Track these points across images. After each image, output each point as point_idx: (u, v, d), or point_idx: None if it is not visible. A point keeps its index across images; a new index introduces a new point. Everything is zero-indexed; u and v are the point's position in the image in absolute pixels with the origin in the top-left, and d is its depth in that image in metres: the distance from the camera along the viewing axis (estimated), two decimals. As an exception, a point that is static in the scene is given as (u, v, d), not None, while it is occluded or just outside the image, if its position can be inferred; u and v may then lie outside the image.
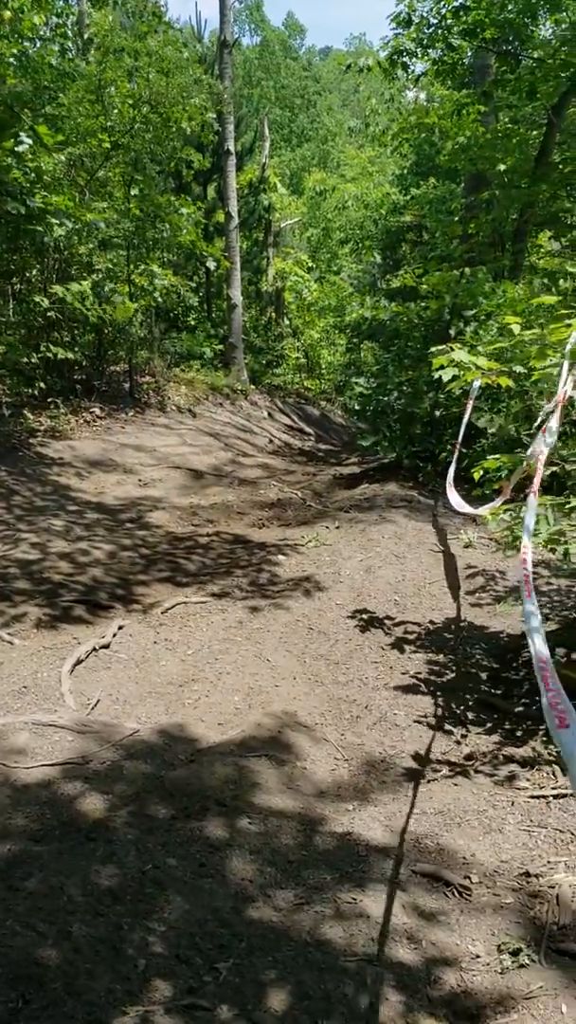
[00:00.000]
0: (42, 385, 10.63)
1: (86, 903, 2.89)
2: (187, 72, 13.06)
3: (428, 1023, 2.59)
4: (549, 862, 3.34)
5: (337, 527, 7.76)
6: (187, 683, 4.89)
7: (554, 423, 3.54)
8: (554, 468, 4.85)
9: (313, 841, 3.47)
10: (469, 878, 3.27)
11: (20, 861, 3.09)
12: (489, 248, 14.61)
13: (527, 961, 2.81)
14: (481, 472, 4.85)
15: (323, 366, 24.58)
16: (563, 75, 11.48)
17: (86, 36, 15.20)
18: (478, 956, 2.87)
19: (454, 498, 5.84)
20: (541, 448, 3.43)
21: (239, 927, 2.90)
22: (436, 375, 4.92)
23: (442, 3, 12.50)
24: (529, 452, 3.71)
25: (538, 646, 2.35)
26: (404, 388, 9.97)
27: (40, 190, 9.34)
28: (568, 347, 3.87)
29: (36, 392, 10.58)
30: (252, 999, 2.60)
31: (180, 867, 3.15)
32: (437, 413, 9.56)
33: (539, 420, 3.85)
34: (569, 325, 4.19)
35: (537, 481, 3.27)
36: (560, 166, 12.73)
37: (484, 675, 5.13)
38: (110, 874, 3.05)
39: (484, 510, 5.53)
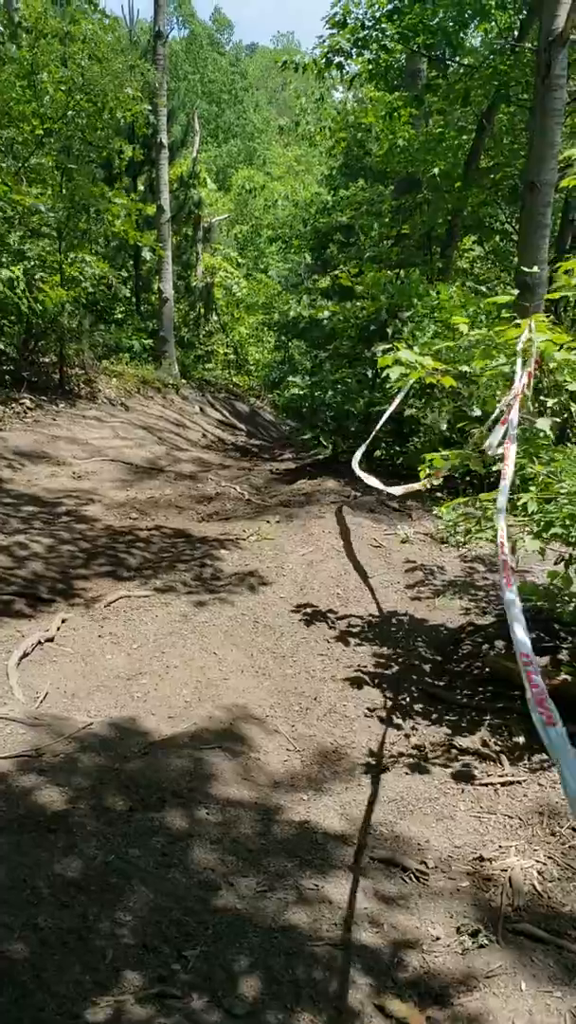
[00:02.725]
0: (-31, 376, 10.38)
1: (51, 895, 2.86)
2: (122, 58, 12.88)
3: (395, 1004, 2.66)
4: (500, 847, 3.45)
5: (278, 522, 7.80)
6: (135, 676, 4.86)
7: (514, 415, 3.65)
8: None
9: (272, 830, 3.51)
10: (425, 863, 3.36)
11: (-21, 855, 3.03)
12: (418, 251, 14.85)
13: (486, 942, 2.91)
14: (428, 469, 4.95)
15: (251, 362, 24.62)
16: (495, 83, 11.76)
17: (16, 20, 14.85)
18: (439, 938, 2.95)
19: (359, 471, 5.96)
20: (508, 441, 3.54)
21: (205, 915, 2.91)
22: (370, 373, 5.01)
23: (376, 6, 12.65)
24: (487, 444, 3.82)
25: (519, 636, 2.43)
26: (339, 386, 10.08)
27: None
28: (520, 345, 4.00)
29: (-37, 383, 10.33)
30: (222, 986, 2.62)
31: (143, 857, 3.15)
32: (372, 411, 9.70)
33: (496, 413, 3.96)
34: (518, 326, 4.32)
35: (510, 471, 3.38)
36: (491, 174, 13.03)
37: (427, 667, 5.25)
38: (73, 865, 3.03)
39: (398, 489, 5.66)
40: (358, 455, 6.30)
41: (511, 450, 3.53)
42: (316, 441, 10.05)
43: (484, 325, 5.38)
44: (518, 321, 4.31)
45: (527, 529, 4.18)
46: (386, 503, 8.22)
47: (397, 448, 9.39)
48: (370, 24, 12.82)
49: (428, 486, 5.30)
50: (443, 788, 3.92)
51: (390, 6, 12.52)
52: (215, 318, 22.30)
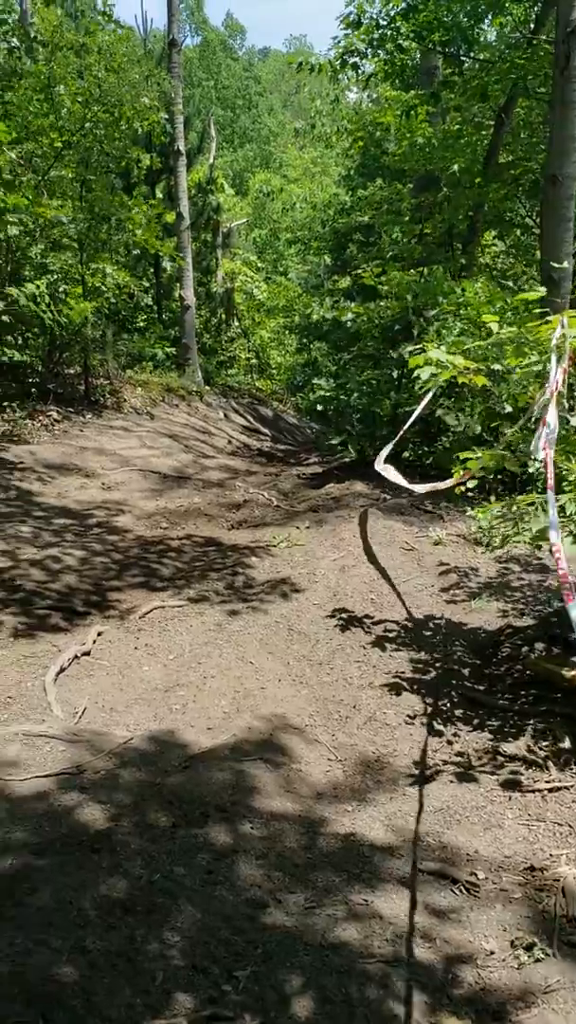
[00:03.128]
0: (-3, 389, 10.45)
1: (98, 916, 2.83)
2: (138, 68, 12.92)
3: (452, 1022, 2.60)
4: (551, 855, 3.38)
5: (307, 527, 7.76)
6: (172, 688, 4.84)
7: (551, 417, 3.58)
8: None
9: (317, 843, 3.46)
10: (475, 874, 3.30)
11: (24, 876, 3.01)
12: (440, 248, 14.76)
13: (542, 955, 2.84)
14: (461, 469, 4.88)
15: (274, 366, 24.61)
16: (512, 77, 11.64)
17: (32, 35, 14.95)
18: (493, 952, 2.89)
19: (383, 468, 5.87)
20: (544, 443, 3.47)
21: (253, 934, 2.87)
22: (396, 374, 4.94)
23: (391, 5, 12.59)
24: (532, 448, 3.74)
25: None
26: (364, 388, 10.02)
27: (-1, 188, 9.17)
28: (554, 341, 3.92)
29: (-10, 397, 10.39)
30: (274, 1007, 2.58)
31: (188, 875, 3.11)
32: (399, 412, 9.63)
33: (534, 414, 3.88)
34: (549, 322, 4.25)
35: (551, 476, 3.30)
36: (512, 169, 12.92)
37: (467, 671, 5.18)
38: (119, 885, 3.00)
39: (422, 488, 5.59)
40: (383, 455, 6.22)
41: (550, 456, 3.45)
42: (344, 446, 10.00)
43: (513, 322, 5.29)
44: (549, 317, 4.23)
45: (567, 530, 4.11)
46: (417, 505, 8.16)
47: (426, 448, 9.31)
48: (385, 23, 12.76)
49: (457, 486, 5.22)
50: (490, 796, 3.84)
51: (404, 4, 12.46)
52: (236, 323, 22.32)
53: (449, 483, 5.19)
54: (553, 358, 3.84)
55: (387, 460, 9.04)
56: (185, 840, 3.33)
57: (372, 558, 6.85)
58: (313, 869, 3.27)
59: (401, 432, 6.60)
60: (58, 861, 3.11)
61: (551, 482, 3.34)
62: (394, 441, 6.54)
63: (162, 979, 2.62)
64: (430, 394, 5.94)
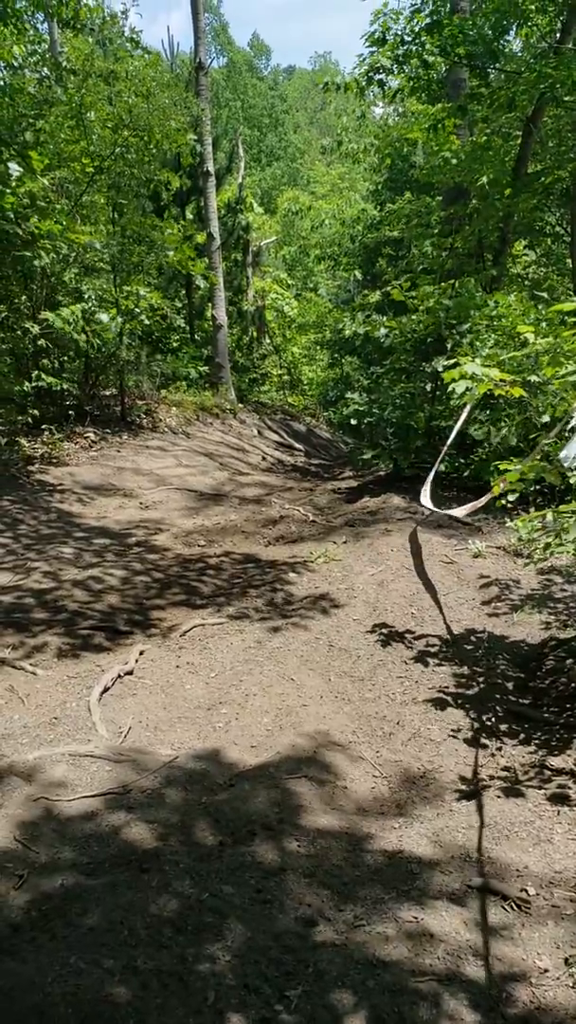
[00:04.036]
0: (35, 413, 10.60)
1: (148, 936, 2.85)
2: (167, 92, 13.13)
3: (507, 1041, 2.57)
4: (602, 870, 3.33)
5: (345, 542, 7.76)
6: (215, 706, 4.85)
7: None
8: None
9: (364, 860, 3.45)
10: (526, 890, 3.26)
11: (75, 896, 3.04)
12: (470, 260, 14.74)
13: (597, 973, 2.80)
14: (499, 481, 4.85)
15: (305, 382, 24.69)
16: (539, 86, 11.62)
17: (62, 63, 15.26)
18: (547, 970, 2.85)
19: (425, 499, 5.86)
20: None
21: (303, 952, 2.86)
22: (429, 387, 4.94)
23: (415, 20, 12.65)
24: (563, 455, 3.72)
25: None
26: (398, 402, 10.02)
27: (34, 214, 9.34)
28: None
29: (29, 420, 10.55)
30: (327, 1026, 2.57)
31: (237, 894, 3.12)
32: (434, 425, 9.62)
33: (571, 423, 3.85)
34: (586, 333, 4.22)
35: None
36: (541, 178, 12.87)
37: (510, 685, 5.13)
38: (168, 905, 3.01)
39: (462, 511, 5.56)
40: (427, 489, 6.15)
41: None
42: (378, 460, 10.00)
43: (549, 332, 5.27)
44: (586, 328, 4.21)
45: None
46: (456, 518, 8.11)
47: (462, 461, 9.27)
48: (409, 39, 12.83)
49: (495, 501, 5.19)
50: (538, 811, 3.80)
51: (428, 20, 12.52)
52: (268, 340, 22.44)
53: (485, 500, 5.17)
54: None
55: (424, 472, 9.04)
56: (233, 858, 3.34)
57: (422, 574, 6.81)
58: (361, 886, 3.26)
59: (444, 451, 6.58)
60: (108, 881, 3.14)
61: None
62: (436, 466, 6.50)
63: (214, 998, 2.62)
64: (468, 408, 5.94)
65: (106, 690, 4.86)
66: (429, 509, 5.70)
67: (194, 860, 3.30)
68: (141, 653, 5.45)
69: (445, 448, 6.62)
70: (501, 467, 4.81)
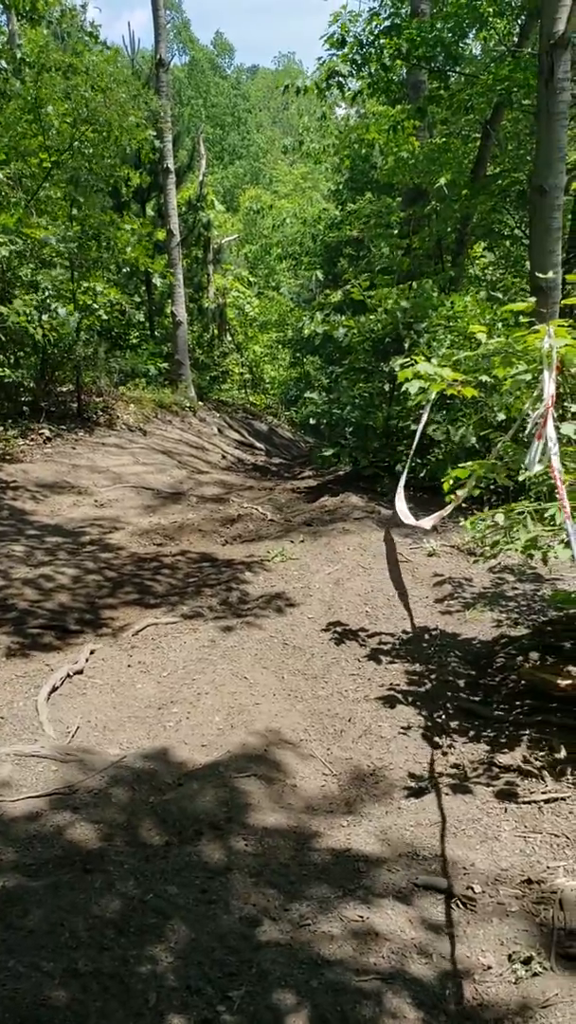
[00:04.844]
0: (-11, 408, 10.46)
1: (90, 938, 2.81)
2: (125, 88, 13.00)
3: (449, 1038, 2.57)
4: (548, 867, 3.35)
5: (302, 541, 7.75)
6: (166, 705, 4.81)
7: (550, 430, 3.57)
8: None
9: (311, 859, 3.43)
10: (472, 888, 3.27)
11: (16, 898, 2.99)
12: (428, 260, 14.83)
13: (539, 969, 2.81)
14: (451, 482, 4.87)
15: (267, 381, 24.67)
16: (497, 89, 11.72)
17: (19, 56, 15.05)
18: (490, 967, 2.86)
19: (400, 505, 5.87)
20: (552, 459, 3.48)
21: (247, 953, 2.84)
22: (388, 387, 4.95)
23: (374, 23, 12.69)
24: (526, 462, 3.73)
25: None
26: (357, 401, 10.04)
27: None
28: (543, 352, 3.92)
29: (-18, 416, 10.40)
30: (270, 1027, 2.55)
31: (181, 894, 3.09)
32: (392, 424, 9.65)
33: (529, 427, 3.87)
34: (536, 332, 4.25)
35: (562, 487, 3.32)
36: (498, 180, 12.99)
37: (461, 682, 5.15)
38: (111, 906, 2.97)
39: (427, 522, 5.58)
40: (400, 492, 6.10)
41: (555, 463, 3.45)
42: (337, 458, 10.00)
43: (502, 333, 5.30)
44: (536, 327, 4.24)
45: (559, 539, 4.10)
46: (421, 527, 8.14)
47: (419, 461, 9.31)
48: (368, 42, 12.86)
49: (450, 496, 5.22)
50: (485, 808, 3.82)
51: (388, 23, 12.57)
52: (229, 338, 22.38)
53: (449, 509, 5.19)
54: (545, 372, 3.84)
55: (382, 471, 9.08)
56: (178, 858, 3.31)
57: (396, 577, 6.81)
58: (308, 885, 3.25)
59: (411, 455, 6.58)
60: (50, 882, 3.09)
61: (562, 489, 3.35)
62: (404, 474, 6.48)
63: (155, 1000, 2.59)
64: (427, 408, 5.95)
65: (55, 689, 4.80)
66: (411, 524, 5.69)
67: (139, 860, 3.27)
68: (92, 652, 5.39)
69: (411, 452, 6.63)
70: (453, 473, 4.83)
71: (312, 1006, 2.63)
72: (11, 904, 2.95)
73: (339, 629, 5.93)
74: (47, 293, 11.04)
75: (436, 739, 4.51)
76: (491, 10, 12.76)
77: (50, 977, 2.61)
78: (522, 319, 5.35)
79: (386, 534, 7.72)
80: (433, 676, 5.24)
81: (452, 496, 4.99)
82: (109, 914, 2.93)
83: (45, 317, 10.94)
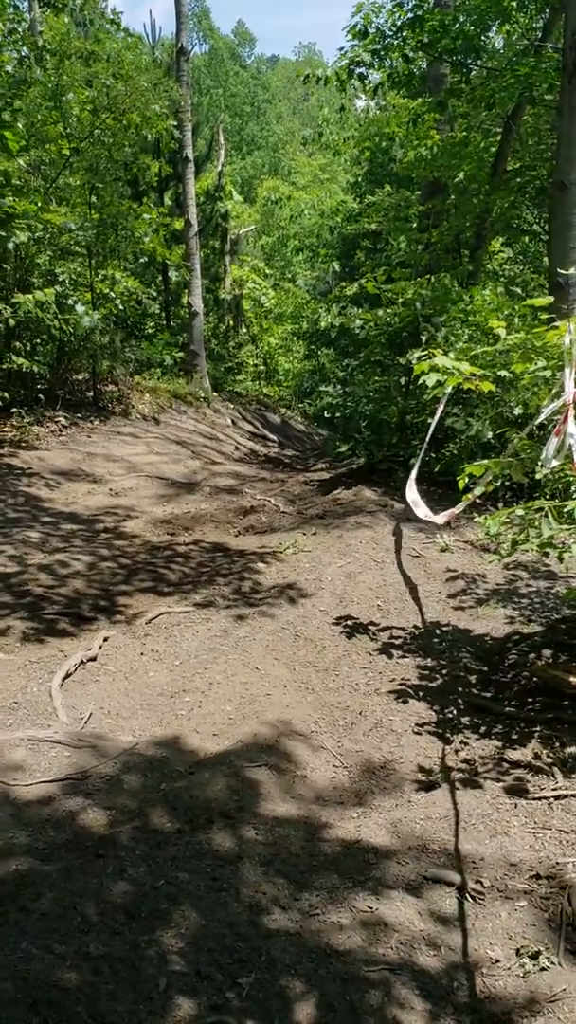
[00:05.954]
0: (5, 395, 10.48)
1: (101, 922, 2.83)
2: (146, 76, 12.99)
3: (456, 1030, 2.58)
4: (557, 863, 3.36)
5: (315, 533, 7.76)
6: (178, 694, 4.84)
7: (570, 426, 3.56)
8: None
9: (322, 849, 3.45)
10: (481, 882, 3.28)
11: (28, 881, 3.01)
12: (447, 255, 14.78)
13: (547, 963, 2.82)
14: (467, 479, 4.86)
15: (281, 373, 24.67)
16: (519, 84, 11.64)
17: (40, 43, 15.06)
18: (498, 960, 2.87)
19: (412, 496, 5.81)
20: (573, 454, 3.47)
21: (257, 940, 2.86)
22: (403, 380, 4.92)
23: (397, 15, 12.61)
24: (543, 458, 3.72)
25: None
26: (372, 395, 10.02)
27: (9, 193, 9.21)
28: (563, 348, 3.91)
29: (-1, 402, 10.44)
30: (278, 1014, 2.57)
31: (192, 881, 3.11)
32: (407, 418, 9.63)
33: (541, 419, 3.86)
34: (556, 328, 4.24)
35: None
36: (518, 177, 12.92)
37: (473, 678, 5.16)
38: (123, 891, 2.99)
39: (440, 518, 5.57)
40: (412, 484, 6.04)
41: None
42: (352, 452, 9.99)
43: (521, 328, 5.28)
44: (556, 323, 4.23)
45: (574, 537, 4.09)
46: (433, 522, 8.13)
47: (433, 455, 9.30)
48: (391, 33, 12.78)
49: (464, 494, 5.20)
50: (496, 803, 3.83)
51: (411, 15, 12.48)
52: (244, 330, 22.38)
53: (461, 507, 5.18)
54: (566, 368, 3.83)
55: (396, 465, 9.04)
56: (189, 846, 3.33)
57: (402, 571, 6.80)
58: (318, 875, 3.27)
59: (423, 450, 6.56)
60: (62, 866, 3.11)
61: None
62: (415, 469, 6.45)
63: (165, 985, 2.62)
64: (442, 402, 5.93)
65: (68, 676, 4.83)
66: (424, 517, 5.65)
67: (150, 847, 3.29)
68: (105, 639, 5.41)
69: (425, 445, 6.61)
70: (468, 469, 4.81)
71: (320, 994, 2.65)
72: (24, 887, 2.98)
73: (350, 622, 5.94)
74: (66, 286, 11.03)
75: (447, 734, 4.51)
76: (514, 4, 12.66)
77: (62, 959, 2.64)
78: (542, 315, 5.33)
79: (399, 528, 7.72)
80: (444, 671, 5.25)
81: (467, 496, 4.98)
82: (120, 899, 2.95)
83: (63, 314, 10.95)
